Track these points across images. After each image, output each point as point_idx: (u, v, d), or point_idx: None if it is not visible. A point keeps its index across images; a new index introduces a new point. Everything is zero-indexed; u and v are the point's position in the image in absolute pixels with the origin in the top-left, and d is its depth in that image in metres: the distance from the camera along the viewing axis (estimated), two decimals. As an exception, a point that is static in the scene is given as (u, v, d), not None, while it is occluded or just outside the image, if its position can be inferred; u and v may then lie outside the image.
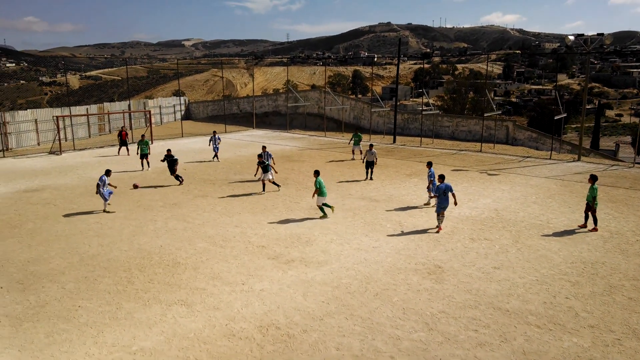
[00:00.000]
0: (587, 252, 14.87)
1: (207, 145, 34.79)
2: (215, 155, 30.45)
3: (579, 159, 30.36)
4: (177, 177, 24.02)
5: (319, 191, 18.11)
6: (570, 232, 16.62)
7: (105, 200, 19.29)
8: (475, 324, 10.71)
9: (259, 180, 22.91)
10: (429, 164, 20.23)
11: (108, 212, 19.19)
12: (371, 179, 24.67)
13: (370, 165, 24.70)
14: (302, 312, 11.26)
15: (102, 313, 11.24)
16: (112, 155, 32.65)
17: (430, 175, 19.64)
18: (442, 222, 16.86)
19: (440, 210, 16.65)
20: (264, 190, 22.18)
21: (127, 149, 32.99)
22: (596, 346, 9.85)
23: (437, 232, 16.66)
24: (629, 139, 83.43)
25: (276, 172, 22.64)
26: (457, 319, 10.91)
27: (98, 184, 19.11)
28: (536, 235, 16.33)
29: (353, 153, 30.97)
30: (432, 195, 18.40)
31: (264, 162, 22.21)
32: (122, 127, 34.84)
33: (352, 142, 31.00)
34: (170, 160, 23.83)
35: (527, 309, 11.37)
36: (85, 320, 10.93)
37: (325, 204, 18.50)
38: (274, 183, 22.47)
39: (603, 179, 24.70)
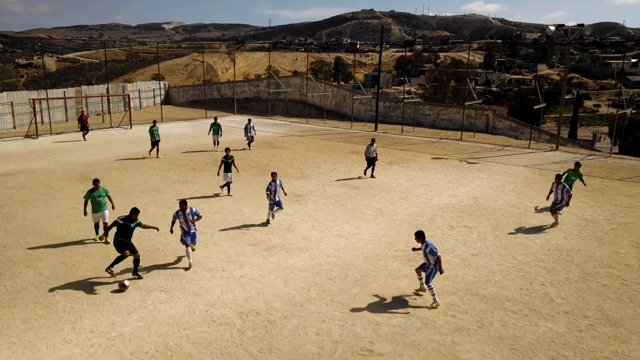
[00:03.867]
0: (563, 239, 15.15)
1: (189, 130, 34.63)
2: (249, 143, 29.35)
3: (556, 149, 30.79)
4: (227, 188, 19.87)
5: (92, 205, 14.43)
6: (547, 220, 16.90)
7: (187, 245, 12.95)
8: (453, 309, 10.87)
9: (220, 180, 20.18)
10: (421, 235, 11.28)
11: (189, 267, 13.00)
12: (372, 176, 22.60)
13: (372, 162, 22.49)
14: (283, 298, 11.29)
15: (80, 299, 11.13)
16: (94, 142, 32.07)
17: (431, 252, 11.02)
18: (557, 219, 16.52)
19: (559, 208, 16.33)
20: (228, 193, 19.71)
21: (85, 134, 32.21)
22: (570, 332, 10.08)
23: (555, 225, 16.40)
24: (606, 129, 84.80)
25: (285, 194, 17.36)
26: (427, 302, 11.05)
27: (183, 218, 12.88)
28: (514, 223, 16.57)
29: (214, 144, 28.98)
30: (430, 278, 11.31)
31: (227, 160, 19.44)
32: (82, 112, 34.31)
33: (211, 131, 28.95)
34: (228, 163, 19.49)
35: (504, 295, 11.57)
36: (62, 306, 10.82)
37: (96, 226, 14.74)
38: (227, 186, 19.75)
39: (580, 169, 25.09)
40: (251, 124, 29.52)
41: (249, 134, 29.22)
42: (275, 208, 16.35)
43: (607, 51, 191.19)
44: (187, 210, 12.69)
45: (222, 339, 9.69)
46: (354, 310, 10.81)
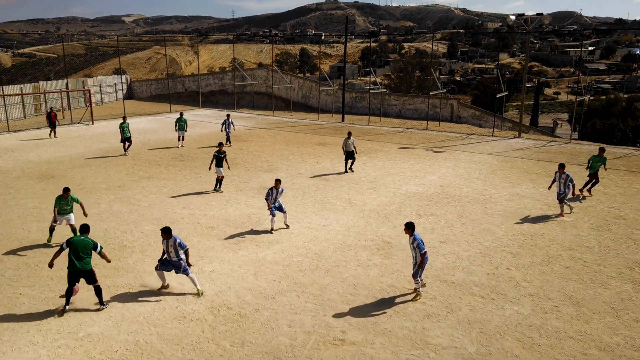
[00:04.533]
0: (527, 224, 15.54)
1: (153, 125, 33.97)
2: (228, 139, 27.95)
3: (519, 136, 31.48)
4: (218, 183, 19.40)
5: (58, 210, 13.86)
6: (512, 206, 17.29)
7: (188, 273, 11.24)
8: (423, 296, 11.04)
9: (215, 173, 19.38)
10: (410, 227, 10.87)
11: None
12: (351, 170, 21.92)
13: (350, 155, 21.78)
14: (254, 292, 11.27)
15: (45, 300, 10.86)
16: (55, 139, 31.16)
17: (418, 246, 10.65)
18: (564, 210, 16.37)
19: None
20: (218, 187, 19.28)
21: (55, 131, 30.70)
22: (535, 313, 10.38)
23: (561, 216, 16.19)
24: (565, 116, 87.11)
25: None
26: (405, 293, 11.21)
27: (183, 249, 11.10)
28: (479, 210, 16.90)
29: (179, 140, 27.87)
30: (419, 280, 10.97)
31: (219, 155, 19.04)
32: (51, 108, 32.91)
33: (177, 127, 27.72)
34: (220, 158, 19.10)
35: (472, 280, 11.81)
36: (27, 307, 10.54)
37: (51, 228, 14.04)
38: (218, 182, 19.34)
39: (542, 155, 25.76)
40: (230, 120, 28.28)
41: (227, 130, 28.07)
42: (280, 214, 15.06)
43: (566, 39, 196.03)
44: (170, 241, 10.92)
45: (194, 334, 9.62)
46: (325, 300, 10.87)
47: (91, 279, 10.44)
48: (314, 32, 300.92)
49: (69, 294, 10.37)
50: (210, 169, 19.35)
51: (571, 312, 10.41)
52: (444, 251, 13.49)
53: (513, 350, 9.14)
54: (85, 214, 14.35)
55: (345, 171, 21.97)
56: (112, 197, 18.41)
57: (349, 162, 21.98)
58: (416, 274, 10.78)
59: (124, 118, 26.70)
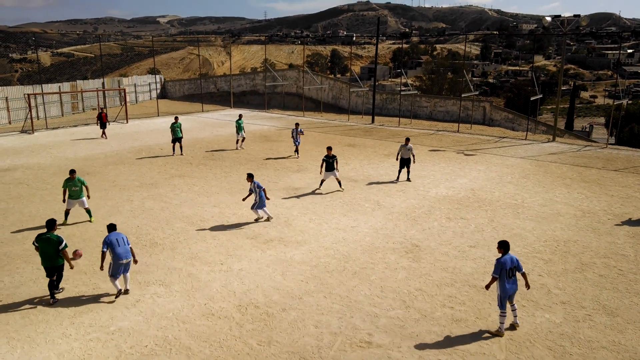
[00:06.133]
0: (560, 230, 15.20)
1: (185, 124, 34.67)
2: (296, 150, 25.71)
3: (553, 140, 30.82)
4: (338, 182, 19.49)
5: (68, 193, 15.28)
6: (544, 211, 16.94)
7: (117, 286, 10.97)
8: (451, 301, 10.91)
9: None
10: (503, 245, 9.87)
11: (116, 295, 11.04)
12: (408, 179, 20.61)
13: (406, 163, 20.33)
14: (281, 291, 11.32)
15: (78, 294, 11.14)
16: (91, 137, 31.93)
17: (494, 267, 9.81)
18: None
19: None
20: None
21: (104, 132, 30.82)
22: (567, 322, 10.14)
23: None
24: (602, 120, 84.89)
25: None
26: (433, 297, 11.10)
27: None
28: (511, 215, 16.61)
29: (237, 143, 27.28)
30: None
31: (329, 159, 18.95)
32: (101, 109, 33.21)
33: (236, 129, 27.05)
34: (329, 162, 19.03)
35: (502, 286, 11.60)
36: (61, 300, 10.82)
37: (67, 212, 15.51)
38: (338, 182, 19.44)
39: (577, 159, 25.16)
40: (299, 129, 25.78)
41: (297, 140, 25.54)
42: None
43: (604, 42, 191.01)
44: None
45: (221, 332, 9.72)
46: (352, 302, 10.85)
47: (60, 274, 10.85)
48: (345, 33, 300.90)
49: (51, 286, 10.79)
50: (321, 172, 19.34)
51: (605, 322, 10.14)
52: (474, 255, 13.31)
53: (543, 358, 8.94)
54: (88, 196, 15.75)
55: (397, 180, 20.71)
56: (145, 195, 18.76)
57: (404, 170, 20.56)
58: (500, 303, 9.57)
59: (176, 118, 26.41)
